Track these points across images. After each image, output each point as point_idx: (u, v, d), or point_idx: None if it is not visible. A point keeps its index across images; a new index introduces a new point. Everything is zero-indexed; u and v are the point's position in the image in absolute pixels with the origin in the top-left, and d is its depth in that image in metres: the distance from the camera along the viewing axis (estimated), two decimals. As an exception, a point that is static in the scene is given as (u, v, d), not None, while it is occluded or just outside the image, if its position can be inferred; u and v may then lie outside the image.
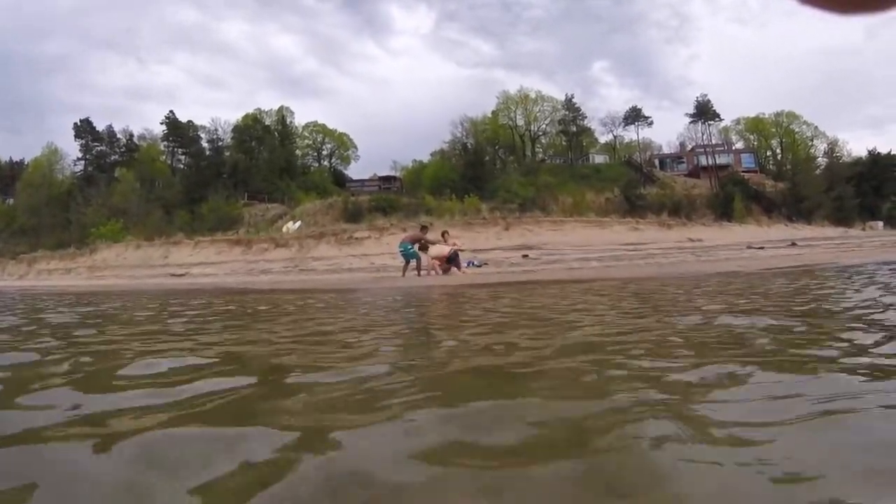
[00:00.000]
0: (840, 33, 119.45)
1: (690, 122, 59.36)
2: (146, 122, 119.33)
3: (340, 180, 62.50)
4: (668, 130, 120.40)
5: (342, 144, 68.45)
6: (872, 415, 1.24)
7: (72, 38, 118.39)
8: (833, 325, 2.86)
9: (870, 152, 52.99)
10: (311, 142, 67.66)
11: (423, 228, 15.46)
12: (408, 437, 1.21)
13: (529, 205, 39.07)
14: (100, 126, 61.83)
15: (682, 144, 65.04)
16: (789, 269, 10.22)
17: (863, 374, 1.62)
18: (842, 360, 1.86)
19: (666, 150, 67.46)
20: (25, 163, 64.80)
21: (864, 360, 1.85)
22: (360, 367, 2.02)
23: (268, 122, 61.80)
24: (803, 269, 9.97)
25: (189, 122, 61.35)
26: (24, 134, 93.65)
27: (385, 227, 28.88)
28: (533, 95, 62.37)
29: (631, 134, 67.05)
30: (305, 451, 1.11)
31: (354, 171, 67.49)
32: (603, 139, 66.82)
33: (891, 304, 3.46)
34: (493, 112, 61.38)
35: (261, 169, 55.10)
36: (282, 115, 62.92)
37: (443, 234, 14.88)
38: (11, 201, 60.41)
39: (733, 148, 62.90)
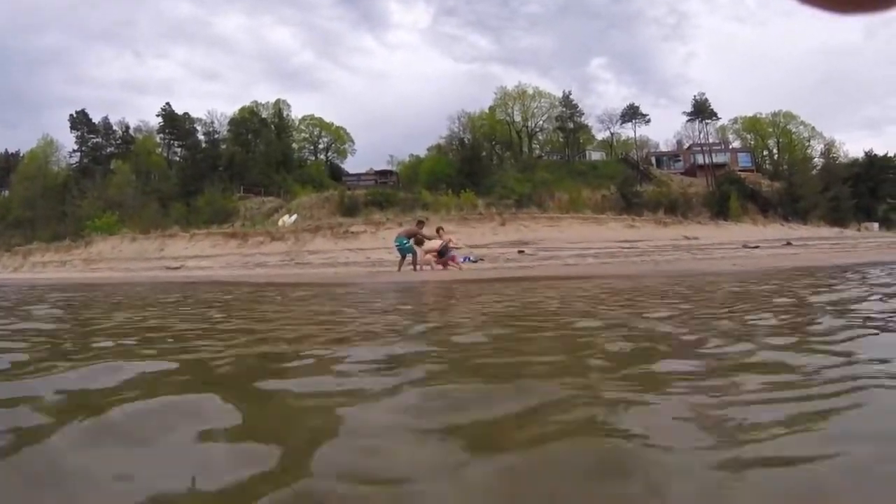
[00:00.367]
0: (839, 33, 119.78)
1: (688, 121, 59.48)
2: (142, 114, 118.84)
3: (337, 174, 62.39)
4: (665, 128, 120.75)
5: (339, 138, 68.27)
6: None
7: (68, 31, 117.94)
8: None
9: (867, 153, 53.16)
10: (307, 135, 67.48)
11: (419, 223, 15.44)
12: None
13: (526, 201, 39.09)
14: (96, 118, 61.60)
15: (679, 142, 65.17)
16: (770, 270, 10.26)
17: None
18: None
19: (663, 148, 67.55)
20: (21, 154, 64.46)
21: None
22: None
23: (264, 114, 61.62)
24: (792, 270, 10.01)
25: (185, 114, 61.10)
26: (20, 126, 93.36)
27: (381, 222, 28.90)
28: (530, 91, 62.36)
29: (628, 131, 67.08)
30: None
31: (351, 166, 67.46)
32: (600, 136, 66.86)
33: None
34: (490, 107, 61.40)
35: (257, 162, 54.92)
36: (278, 108, 62.75)
37: (438, 230, 14.83)
38: (7, 193, 60.12)
39: (730, 147, 62.99)
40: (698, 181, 52.70)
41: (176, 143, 61.89)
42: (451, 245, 14.42)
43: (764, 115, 64.26)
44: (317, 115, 67.43)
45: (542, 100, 62.45)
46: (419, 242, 14.25)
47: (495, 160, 58.28)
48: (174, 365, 1.93)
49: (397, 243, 14.47)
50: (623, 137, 67.43)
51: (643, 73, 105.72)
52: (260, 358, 2.24)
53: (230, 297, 6.66)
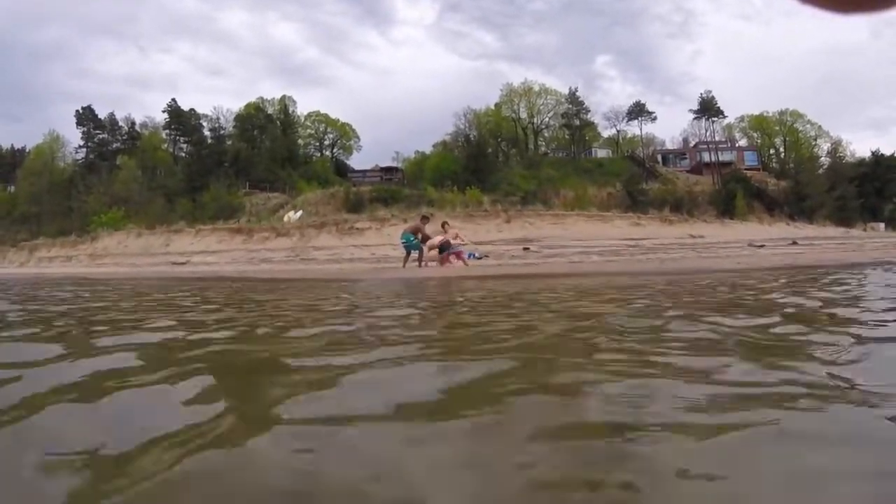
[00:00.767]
0: (844, 33, 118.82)
1: (694, 119, 59.35)
2: (148, 110, 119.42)
3: (342, 170, 62.46)
4: (671, 126, 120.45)
5: (344, 134, 68.28)
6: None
7: (71, 25, 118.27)
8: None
9: (873, 153, 52.83)
10: (313, 131, 67.52)
11: (424, 218, 15.35)
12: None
13: (531, 198, 39.05)
14: (102, 114, 61.93)
15: (685, 140, 64.99)
16: (770, 268, 10.21)
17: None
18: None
19: (669, 146, 67.33)
20: (27, 150, 64.74)
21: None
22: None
23: (270, 110, 61.72)
24: (789, 268, 9.96)
25: (191, 110, 61.30)
26: (26, 121, 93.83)
27: (386, 218, 28.88)
28: (536, 88, 62.29)
29: (634, 129, 67.05)
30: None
31: (356, 162, 67.51)
32: (606, 134, 66.76)
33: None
34: (496, 104, 61.31)
35: (262, 158, 55.04)
36: (284, 104, 62.82)
37: (442, 225, 14.77)
38: (13, 189, 60.42)
39: (736, 145, 62.79)
40: (704, 179, 52.55)
41: (182, 138, 62.09)
42: (457, 241, 14.37)
43: (770, 114, 64.05)
44: (322, 112, 67.61)
45: (548, 97, 62.42)
46: (425, 239, 14.20)
47: (501, 157, 58.27)
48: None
49: (404, 240, 14.38)
50: (629, 135, 67.47)
51: (649, 71, 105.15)
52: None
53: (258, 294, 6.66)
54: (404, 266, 14.17)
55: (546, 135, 64.85)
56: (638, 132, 67.27)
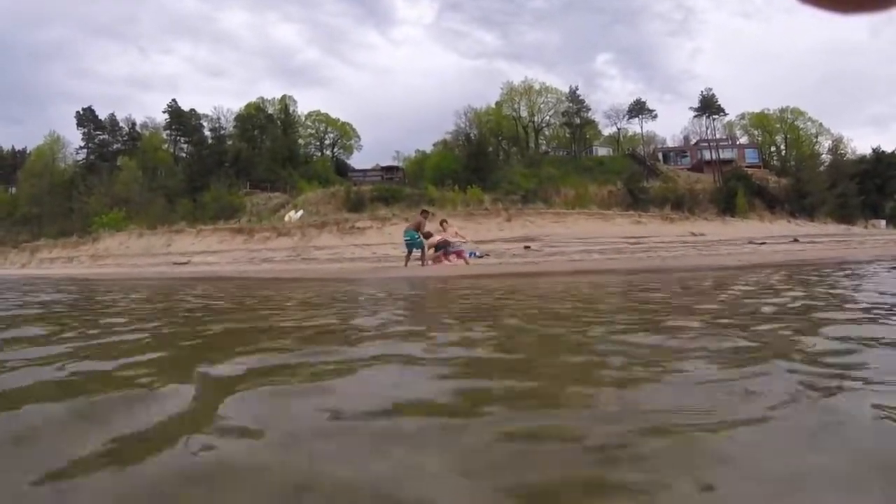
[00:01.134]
0: (844, 31, 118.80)
1: (695, 116, 59.12)
2: (148, 110, 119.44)
3: (343, 170, 62.37)
4: (672, 124, 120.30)
5: (345, 134, 68.22)
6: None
7: (72, 26, 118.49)
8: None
9: (874, 150, 52.73)
10: (313, 131, 67.43)
11: (424, 213, 15.31)
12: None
13: (532, 196, 39.00)
14: (102, 115, 61.91)
15: (685, 138, 64.88)
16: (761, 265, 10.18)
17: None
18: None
19: (670, 144, 67.18)
20: (28, 151, 64.80)
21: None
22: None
23: (270, 110, 61.63)
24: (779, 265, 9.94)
25: (191, 110, 61.27)
26: (26, 123, 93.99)
27: (387, 218, 28.91)
28: (537, 87, 62.12)
29: (635, 127, 67.01)
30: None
31: (357, 161, 67.39)
32: (606, 132, 66.67)
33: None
34: (496, 103, 61.18)
35: (263, 158, 54.99)
36: (284, 103, 62.70)
37: (441, 223, 14.71)
38: (13, 190, 60.48)
39: (737, 143, 62.67)
40: (705, 177, 52.43)
41: (182, 139, 62.08)
42: (456, 239, 14.32)
43: (771, 111, 63.92)
44: (323, 111, 67.48)
45: (549, 95, 62.27)
46: (426, 235, 14.14)
47: (501, 156, 58.17)
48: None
49: (408, 237, 14.30)
50: (630, 133, 67.45)
51: (649, 69, 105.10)
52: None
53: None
54: (406, 265, 14.14)
55: (547, 133, 64.76)
56: (639, 130, 67.32)
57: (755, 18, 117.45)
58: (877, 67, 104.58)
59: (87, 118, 60.80)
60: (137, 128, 63.07)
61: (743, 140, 64.46)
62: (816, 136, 62.11)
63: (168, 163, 59.10)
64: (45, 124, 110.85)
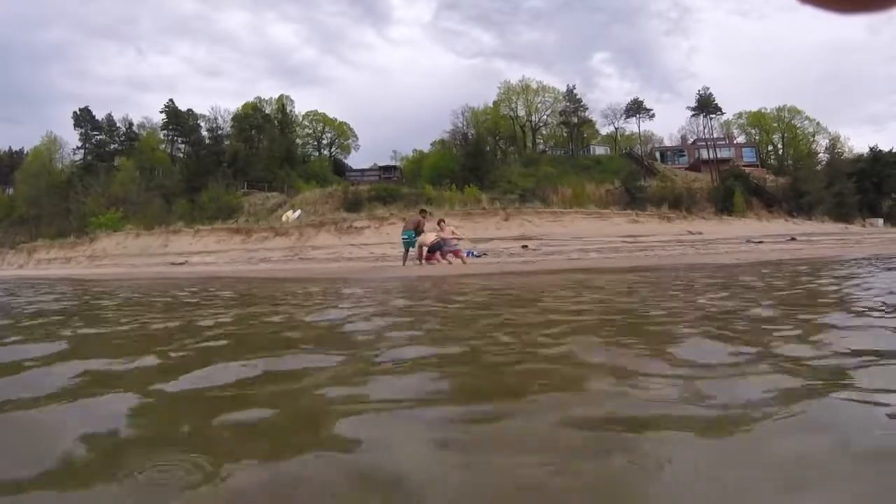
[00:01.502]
0: (842, 29, 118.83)
1: (692, 116, 59.11)
2: (146, 111, 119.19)
3: (340, 169, 62.27)
4: (669, 123, 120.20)
5: (342, 133, 68.15)
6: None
7: (70, 27, 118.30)
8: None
9: (871, 149, 52.79)
10: (311, 131, 67.33)
11: (423, 212, 15.32)
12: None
13: (529, 196, 39.00)
14: (99, 115, 61.63)
15: (683, 137, 64.87)
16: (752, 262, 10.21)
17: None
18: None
19: (667, 143, 67.22)
20: (25, 152, 64.59)
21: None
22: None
23: (268, 110, 61.45)
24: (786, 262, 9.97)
25: (189, 110, 61.09)
26: (23, 123, 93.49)
27: (384, 217, 28.89)
28: (534, 86, 62.03)
29: (632, 126, 67.03)
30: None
31: (354, 161, 67.29)
32: (604, 131, 66.65)
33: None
34: (494, 102, 61.05)
35: (261, 158, 54.85)
36: (282, 103, 62.53)
37: (439, 223, 14.68)
38: (11, 191, 60.29)
39: (734, 142, 62.72)
40: (702, 176, 52.43)
41: (180, 139, 61.90)
42: (454, 238, 14.26)
43: (769, 110, 63.94)
44: (320, 111, 67.36)
45: (546, 94, 62.21)
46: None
47: (499, 155, 58.06)
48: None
49: (405, 237, 14.30)
50: (627, 132, 67.42)
51: (646, 68, 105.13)
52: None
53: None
54: (404, 264, 14.14)
55: (544, 132, 64.73)
56: (636, 129, 67.34)
57: (752, 17, 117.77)
58: (875, 66, 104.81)
59: (84, 119, 60.56)
60: (135, 128, 62.83)
61: (740, 139, 64.52)
62: (814, 135, 62.20)
63: (165, 163, 58.93)
64: (43, 125, 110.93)
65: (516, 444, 1.00)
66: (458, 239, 14.65)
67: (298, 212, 36.13)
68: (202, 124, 61.34)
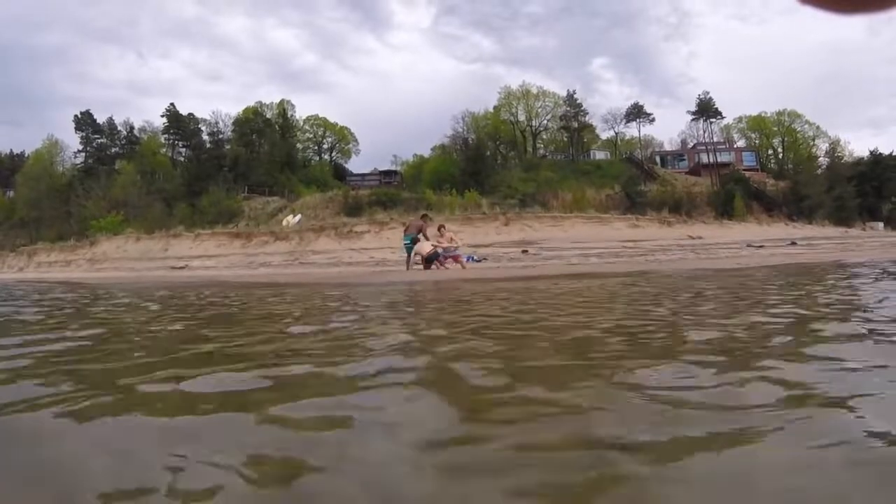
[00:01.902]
0: (841, 31, 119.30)
1: (692, 120, 59.37)
2: (147, 115, 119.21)
3: (341, 174, 62.45)
4: (669, 128, 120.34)
5: (343, 138, 68.33)
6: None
7: (70, 30, 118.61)
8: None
9: (872, 153, 52.81)
10: (311, 135, 67.55)
11: (425, 217, 15.32)
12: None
13: (530, 200, 39.09)
14: (100, 118, 61.83)
15: (683, 142, 65.05)
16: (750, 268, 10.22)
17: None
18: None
19: (667, 148, 67.44)
20: (26, 155, 64.74)
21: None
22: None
23: (268, 115, 61.63)
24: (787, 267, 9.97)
25: (190, 114, 61.17)
26: (25, 126, 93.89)
27: (385, 222, 28.92)
28: (534, 91, 62.27)
29: (632, 131, 67.20)
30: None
31: (355, 166, 67.58)
32: (604, 136, 66.83)
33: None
34: (494, 107, 61.26)
35: (261, 162, 54.98)
36: (282, 108, 62.76)
37: (439, 228, 14.67)
38: (12, 194, 60.39)
39: (734, 146, 62.84)
40: (703, 180, 52.54)
41: (180, 143, 62.02)
42: (451, 244, 14.24)
43: (768, 114, 64.07)
44: (321, 116, 67.62)
45: (546, 99, 62.40)
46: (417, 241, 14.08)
47: (499, 160, 58.20)
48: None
49: (407, 241, 14.31)
50: (627, 137, 67.63)
51: (645, 73, 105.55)
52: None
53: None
54: (408, 269, 14.14)
55: (544, 137, 64.93)
56: (636, 134, 67.54)
57: (751, 21, 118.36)
58: (875, 68, 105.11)
59: (85, 122, 60.71)
60: (136, 132, 62.98)
61: (740, 143, 64.67)
62: (814, 139, 62.29)
63: (166, 167, 59.00)
64: (44, 128, 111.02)
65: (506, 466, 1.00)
66: (455, 246, 14.63)
67: (299, 216, 36.18)
68: (203, 128, 61.50)
